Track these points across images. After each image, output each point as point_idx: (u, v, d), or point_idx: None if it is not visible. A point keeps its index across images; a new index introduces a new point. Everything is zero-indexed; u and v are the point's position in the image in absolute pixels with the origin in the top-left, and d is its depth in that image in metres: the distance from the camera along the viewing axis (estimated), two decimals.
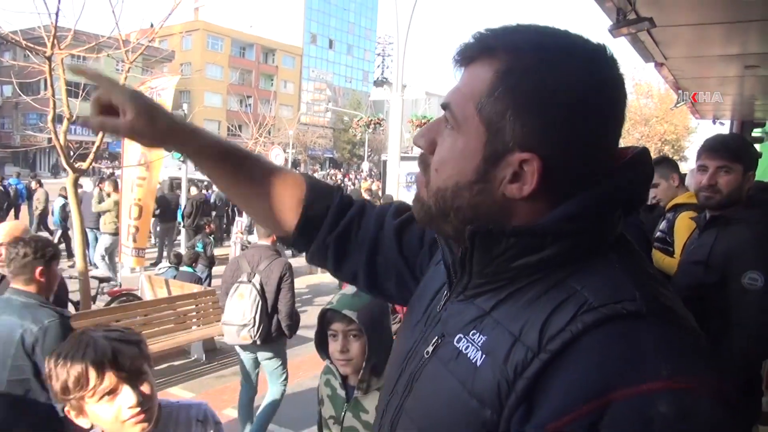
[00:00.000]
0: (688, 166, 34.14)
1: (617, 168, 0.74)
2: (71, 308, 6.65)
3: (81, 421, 1.43)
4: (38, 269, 2.57)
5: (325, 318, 1.93)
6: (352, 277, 1.12)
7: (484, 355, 0.70)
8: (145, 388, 1.42)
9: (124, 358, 1.38)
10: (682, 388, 0.59)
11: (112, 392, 1.37)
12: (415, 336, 0.87)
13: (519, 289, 0.72)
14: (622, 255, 0.74)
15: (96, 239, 10.61)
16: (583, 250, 0.71)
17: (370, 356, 1.85)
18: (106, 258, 9.78)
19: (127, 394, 1.38)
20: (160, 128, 0.97)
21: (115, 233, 9.44)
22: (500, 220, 0.74)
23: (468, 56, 0.76)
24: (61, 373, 1.36)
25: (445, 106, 0.78)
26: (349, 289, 1.97)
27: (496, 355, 0.69)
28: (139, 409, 1.38)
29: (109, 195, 10.09)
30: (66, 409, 1.42)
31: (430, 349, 0.80)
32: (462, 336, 0.75)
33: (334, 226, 1.09)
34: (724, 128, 12.37)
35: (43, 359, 2.30)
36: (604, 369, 0.60)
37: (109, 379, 1.36)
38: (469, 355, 0.72)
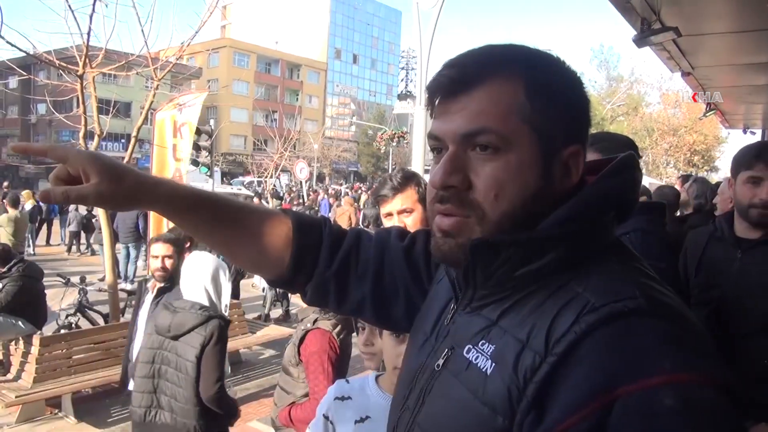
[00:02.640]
0: (718, 176, 33.48)
1: (609, 170, 0.79)
2: (100, 320, 6.78)
3: None
4: None
5: None
6: (357, 308, 1.08)
7: (493, 364, 0.71)
8: None
9: None
10: (684, 380, 0.60)
11: None
12: (424, 352, 0.88)
13: (523, 296, 0.74)
14: (621, 257, 0.77)
15: (128, 254, 10.81)
16: (581, 254, 0.74)
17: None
18: None
19: None
20: (128, 185, 0.89)
21: None
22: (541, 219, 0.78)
23: (470, 81, 0.76)
24: None
25: (476, 132, 0.75)
26: None
27: (505, 363, 0.70)
28: None
29: (6, 211, 10.17)
30: None
31: (441, 362, 0.81)
32: (471, 347, 0.76)
33: (330, 260, 1.05)
34: (755, 137, 12.11)
35: None
36: (608, 367, 0.62)
37: None
38: (479, 365, 0.73)
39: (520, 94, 0.75)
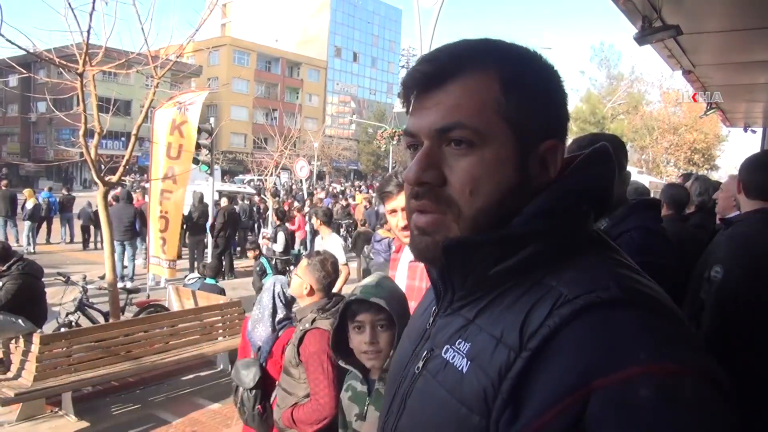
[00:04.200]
0: (719, 175, 33.44)
1: (578, 163, 0.78)
2: (100, 318, 6.78)
3: None
4: None
5: (349, 310, 1.89)
6: None
7: (469, 362, 0.71)
8: None
9: None
10: (662, 371, 0.58)
11: None
12: (407, 357, 0.87)
13: (500, 294, 0.73)
14: (599, 250, 0.76)
15: (124, 251, 10.88)
16: (557, 248, 0.73)
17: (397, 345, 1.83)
18: None
19: None
20: None
21: None
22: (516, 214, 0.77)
23: (445, 75, 0.75)
24: None
25: (450, 127, 0.74)
26: (370, 279, 1.95)
27: (480, 360, 0.69)
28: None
29: None
30: None
31: (421, 364, 0.80)
32: (449, 347, 0.75)
33: None
34: (756, 136, 12.09)
35: None
36: (583, 359, 0.60)
37: None
38: (455, 364, 0.72)
39: (494, 89, 0.74)
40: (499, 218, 0.75)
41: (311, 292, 2.82)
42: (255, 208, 16.78)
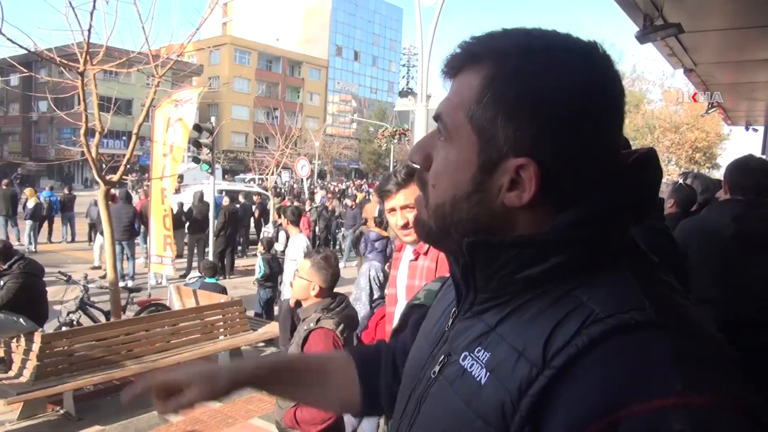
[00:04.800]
0: (720, 173, 33.37)
1: (623, 171, 0.71)
2: (102, 317, 6.79)
3: None
4: None
5: (411, 316, 1.89)
6: None
7: (488, 373, 0.67)
8: None
9: None
10: (698, 402, 0.54)
11: None
12: (423, 358, 0.85)
13: (525, 302, 0.69)
14: (633, 262, 0.69)
15: (123, 251, 10.92)
16: (589, 259, 0.68)
17: None
18: None
19: None
20: (223, 384, 1.00)
21: None
22: (502, 232, 0.71)
23: (455, 66, 0.74)
24: None
25: (436, 118, 0.76)
26: (432, 284, 1.94)
27: (500, 373, 0.65)
28: None
29: None
30: None
31: (437, 368, 0.77)
32: (467, 354, 0.72)
33: (391, 377, 1.08)
34: (757, 135, 12.07)
35: None
36: (612, 384, 0.56)
37: None
38: (473, 373, 0.69)
39: (474, 91, 0.70)
40: (452, 222, 0.73)
41: (320, 293, 2.81)
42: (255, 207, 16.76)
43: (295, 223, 6.84)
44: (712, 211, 2.78)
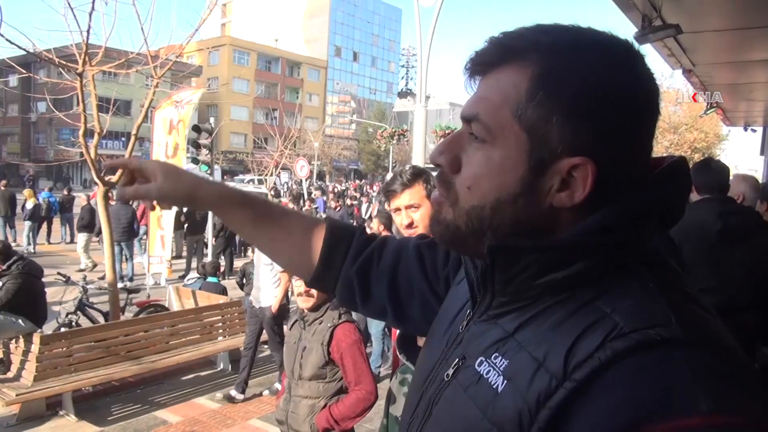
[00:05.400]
0: None
1: (654, 177, 0.69)
2: (101, 318, 6.78)
3: None
4: None
5: None
6: (381, 311, 1.10)
7: (505, 381, 0.65)
8: None
9: None
10: (725, 423, 0.52)
11: None
12: (435, 357, 0.83)
13: (545, 309, 0.67)
14: (657, 273, 0.67)
15: (121, 252, 10.91)
16: (613, 266, 0.66)
17: None
18: None
19: None
20: (186, 185, 1.04)
21: None
22: (546, 233, 0.70)
23: (487, 63, 0.71)
24: None
25: (470, 118, 0.72)
26: None
27: (518, 382, 0.63)
28: None
29: None
30: None
31: (451, 371, 0.75)
32: (484, 359, 0.70)
33: (354, 260, 1.09)
34: (756, 135, 12.09)
35: None
36: (635, 402, 0.54)
37: None
38: (490, 380, 0.67)
39: (522, 87, 0.66)
40: (496, 224, 0.70)
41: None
42: None
43: None
44: (695, 210, 3.03)
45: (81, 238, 12.36)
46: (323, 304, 2.85)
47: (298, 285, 2.86)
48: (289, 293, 5.67)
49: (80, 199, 14.15)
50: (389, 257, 1.09)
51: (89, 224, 12.24)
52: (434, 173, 0.83)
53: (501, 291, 0.72)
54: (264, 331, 5.83)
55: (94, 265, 11.81)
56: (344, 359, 2.73)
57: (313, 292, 2.83)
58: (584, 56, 0.66)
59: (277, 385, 5.78)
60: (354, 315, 2.95)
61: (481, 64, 0.72)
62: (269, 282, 5.60)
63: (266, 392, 5.90)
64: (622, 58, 0.67)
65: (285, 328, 3.12)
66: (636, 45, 0.69)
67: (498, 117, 0.68)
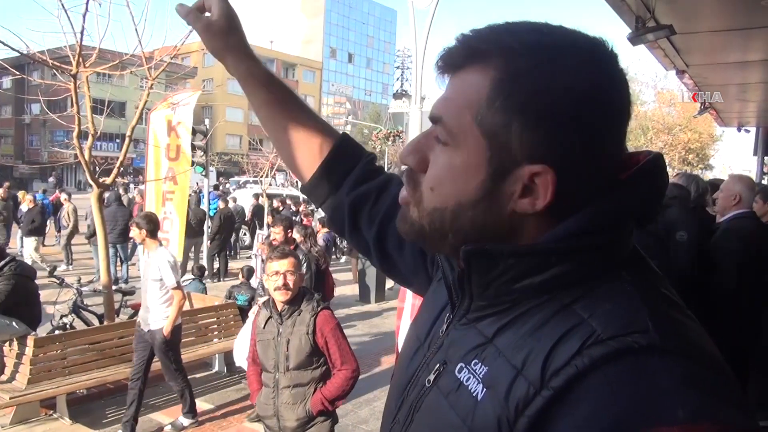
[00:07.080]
0: (713, 174, 33.58)
1: (629, 176, 0.68)
2: (95, 320, 6.75)
3: None
4: None
5: None
6: (366, 252, 1.10)
7: (485, 389, 0.65)
8: None
9: None
10: (701, 430, 0.52)
11: None
12: (416, 361, 0.82)
13: (522, 313, 0.66)
14: (636, 275, 0.66)
15: (116, 254, 10.84)
16: (591, 269, 0.65)
17: None
18: None
19: None
20: (233, 36, 1.09)
21: None
22: (508, 238, 0.69)
23: (455, 63, 0.70)
24: None
25: (435, 119, 0.71)
26: None
27: (497, 390, 0.63)
28: None
29: None
30: None
31: (432, 377, 0.75)
32: (463, 365, 0.70)
33: (352, 188, 1.06)
34: (749, 136, 12.15)
35: None
36: (613, 410, 0.54)
37: None
38: (469, 388, 0.67)
39: (483, 92, 0.65)
40: (456, 227, 0.70)
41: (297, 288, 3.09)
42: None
43: (153, 234, 4.99)
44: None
45: (29, 242, 11.75)
46: (298, 295, 3.04)
47: (274, 279, 2.97)
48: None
49: (28, 202, 12.73)
50: (384, 206, 1.04)
51: (40, 227, 11.94)
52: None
53: (479, 295, 0.71)
54: (156, 358, 4.97)
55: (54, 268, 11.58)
56: (329, 344, 2.98)
57: (290, 284, 2.98)
58: (544, 58, 0.64)
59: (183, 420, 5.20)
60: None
61: (449, 64, 0.70)
62: (158, 301, 4.88)
63: None
64: (586, 59, 0.65)
65: (256, 325, 3.20)
66: (608, 44, 0.68)
67: (460, 121, 0.67)
